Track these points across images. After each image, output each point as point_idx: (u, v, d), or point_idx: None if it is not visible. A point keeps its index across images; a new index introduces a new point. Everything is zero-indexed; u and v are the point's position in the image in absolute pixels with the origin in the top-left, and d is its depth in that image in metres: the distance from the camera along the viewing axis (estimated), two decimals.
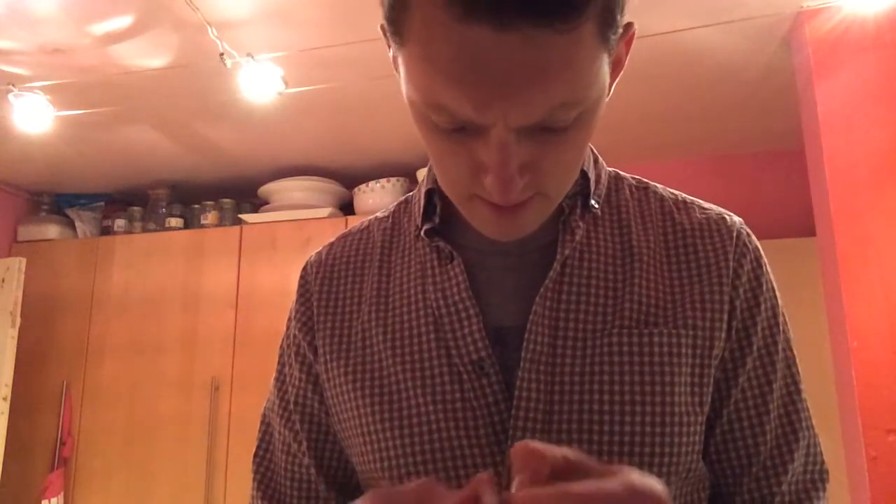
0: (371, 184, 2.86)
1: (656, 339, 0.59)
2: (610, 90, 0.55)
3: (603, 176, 0.68)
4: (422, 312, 0.63)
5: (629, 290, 0.61)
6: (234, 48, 1.94)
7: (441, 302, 0.63)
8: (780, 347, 0.63)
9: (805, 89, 1.94)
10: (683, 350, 0.59)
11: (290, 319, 0.72)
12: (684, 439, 0.57)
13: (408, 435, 0.60)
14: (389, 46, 0.53)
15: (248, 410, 2.70)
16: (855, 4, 1.77)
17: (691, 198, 0.69)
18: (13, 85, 2.12)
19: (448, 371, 0.60)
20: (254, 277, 2.82)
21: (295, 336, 0.70)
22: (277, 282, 2.79)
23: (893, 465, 1.57)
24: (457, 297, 0.62)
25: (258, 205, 3.06)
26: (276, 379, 0.73)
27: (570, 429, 0.56)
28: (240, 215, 2.97)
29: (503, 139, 0.48)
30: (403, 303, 0.65)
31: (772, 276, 0.65)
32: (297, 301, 0.71)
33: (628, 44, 0.55)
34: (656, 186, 0.69)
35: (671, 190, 0.69)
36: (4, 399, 2.66)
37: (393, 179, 2.85)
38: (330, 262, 0.72)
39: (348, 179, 2.96)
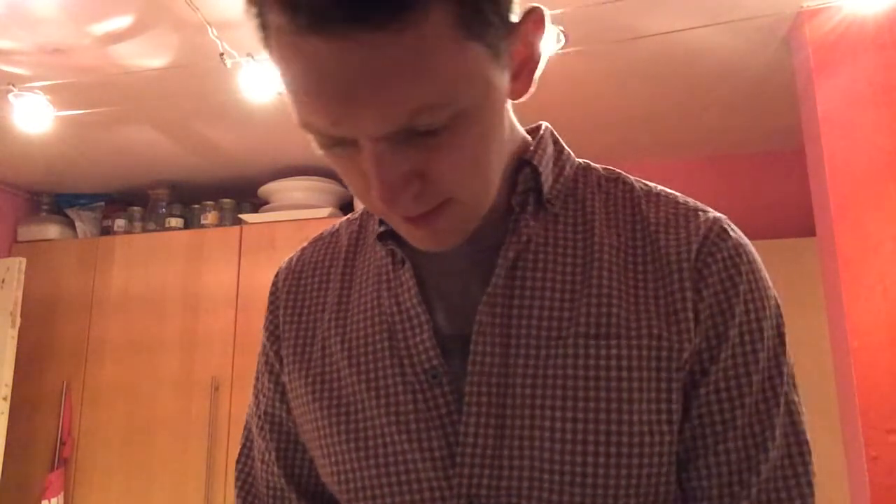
0: None
1: (614, 350, 0.54)
2: (528, 82, 0.52)
3: (567, 170, 0.62)
4: (377, 320, 0.61)
5: (587, 295, 0.56)
6: (234, 48, 1.94)
7: (395, 308, 0.60)
8: (760, 358, 0.55)
9: (805, 89, 1.94)
10: (644, 363, 0.53)
11: (263, 329, 0.71)
12: (645, 460, 0.52)
13: (363, 448, 0.58)
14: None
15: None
16: (855, 4, 1.77)
17: (668, 191, 0.62)
18: (13, 85, 2.12)
19: (402, 381, 0.58)
20: (254, 277, 2.82)
21: (264, 345, 0.69)
22: None
23: (893, 465, 1.57)
24: (408, 304, 0.59)
25: (258, 205, 3.06)
26: (254, 387, 0.73)
27: (522, 444, 0.53)
28: (240, 215, 2.97)
29: (372, 150, 0.46)
30: (361, 309, 0.63)
31: (759, 279, 0.57)
32: (267, 309, 0.70)
33: (537, 28, 0.51)
34: (627, 177, 0.63)
35: (646, 182, 0.63)
36: (4, 399, 2.66)
37: None
38: (298, 269, 0.70)
39: None
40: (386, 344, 0.59)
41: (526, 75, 0.52)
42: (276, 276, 0.71)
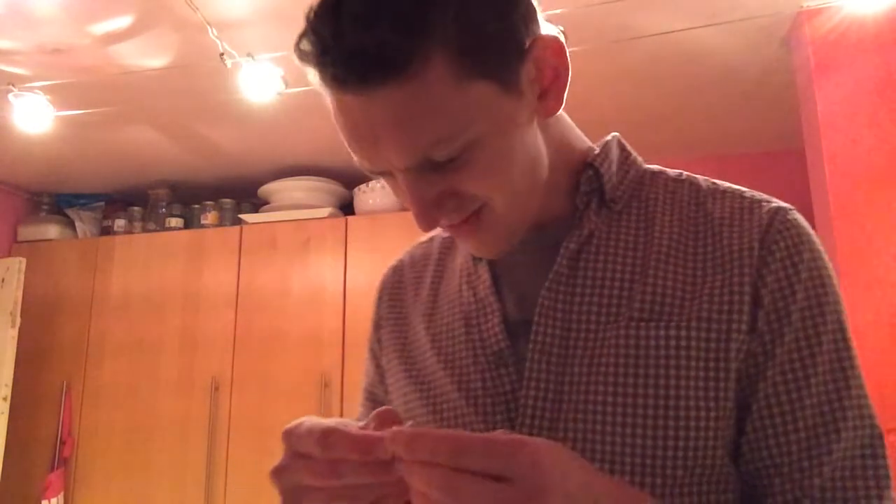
0: (371, 184, 2.86)
1: (662, 332, 0.58)
2: (558, 99, 0.59)
3: (632, 172, 0.68)
4: (456, 309, 0.69)
5: (642, 283, 0.61)
6: (234, 48, 1.94)
7: (472, 299, 0.68)
8: (823, 339, 0.58)
9: (805, 89, 1.94)
10: (693, 343, 0.57)
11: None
12: (692, 433, 0.56)
13: (439, 421, 0.65)
14: None
15: (248, 410, 2.70)
16: (855, 4, 1.77)
17: (735, 187, 0.65)
18: (13, 85, 2.12)
19: (473, 362, 0.65)
20: (254, 277, 2.82)
21: (371, 333, 0.80)
22: (277, 282, 2.79)
23: (894, 465, 1.57)
24: (482, 294, 0.67)
25: (258, 205, 3.06)
26: (365, 370, 0.82)
27: (577, 418, 0.58)
28: (240, 215, 2.97)
29: (404, 180, 0.55)
30: (446, 301, 0.71)
31: (821, 265, 0.60)
32: (374, 304, 0.81)
33: (556, 54, 0.57)
34: (695, 178, 0.67)
35: (714, 181, 0.67)
36: (4, 399, 2.66)
37: None
38: (399, 269, 0.81)
39: (348, 179, 2.96)
40: (462, 330, 0.67)
41: (554, 94, 0.59)
42: (383, 276, 0.82)
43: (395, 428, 0.44)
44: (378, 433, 0.45)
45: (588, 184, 0.65)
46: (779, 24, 1.93)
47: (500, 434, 0.44)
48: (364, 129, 0.52)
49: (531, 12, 0.57)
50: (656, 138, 2.76)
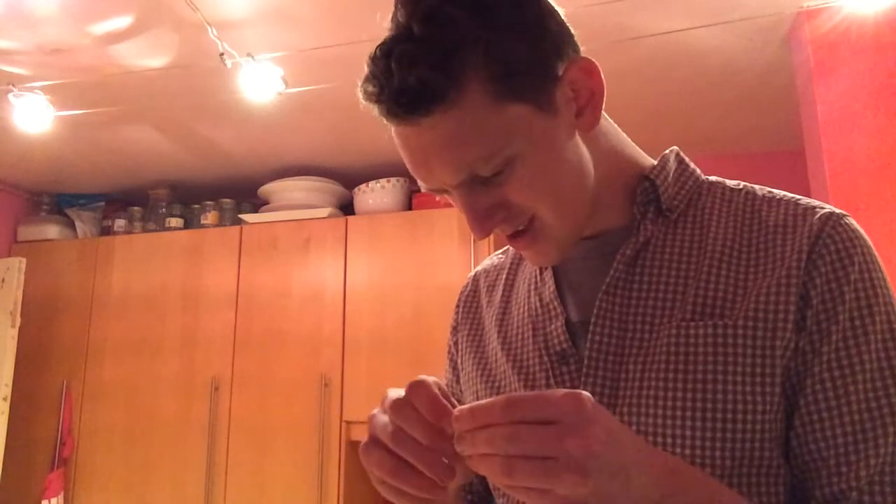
0: (371, 184, 2.86)
1: (710, 330, 0.61)
2: (595, 116, 0.66)
3: (690, 183, 0.72)
4: (525, 313, 0.75)
5: (694, 285, 0.64)
6: (234, 48, 1.93)
7: (538, 303, 0.74)
8: (871, 339, 0.60)
9: (805, 89, 1.94)
10: (741, 341, 0.60)
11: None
12: (738, 426, 0.59)
13: None
14: None
15: (248, 410, 2.70)
16: (855, 4, 1.77)
17: (790, 195, 0.69)
18: (13, 85, 2.12)
19: (539, 362, 0.70)
20: (254, 277, 2.82)
21: (449, 337, 0.87)
22: (277, 282, 2.79)
23: None
24: (547, 299, 0.73)
25: (258, 205, 3.06)
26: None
27: (631, 412, 0.62)
28: (240, 215, 2.97)
29: (457, 195, 0.63)
30: (517, 306, 0.77)
31: (872, 268, 0.62)
32: (454, 310, 0.88)
33: (590, 75, 0.65)
34: (752, 187, 0.71)
35: (771, 189, 0.70)
36: (4, 399, 2.66)
37: (393, 179, 2.85)
38: (476, 279, 0.87)
39: (348, 179, 2.96)
40: (530, 332, 0.73)
41: (591, 111, 0.66)
42: (463, 285, 0.89)
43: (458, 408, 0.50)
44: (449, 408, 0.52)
45: (644, 195, 0.70)
46: (779, 24, 1.93)
47: (543, 391, 0.49)
48: (418, 154, 0.61)
49: (564, 37, 0.65)
50: (656, 138, 2.76)
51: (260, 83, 2.02)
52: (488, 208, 0.63)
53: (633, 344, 0.64)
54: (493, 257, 0.88)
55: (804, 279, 0.61)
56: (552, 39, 0.63)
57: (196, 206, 3.08)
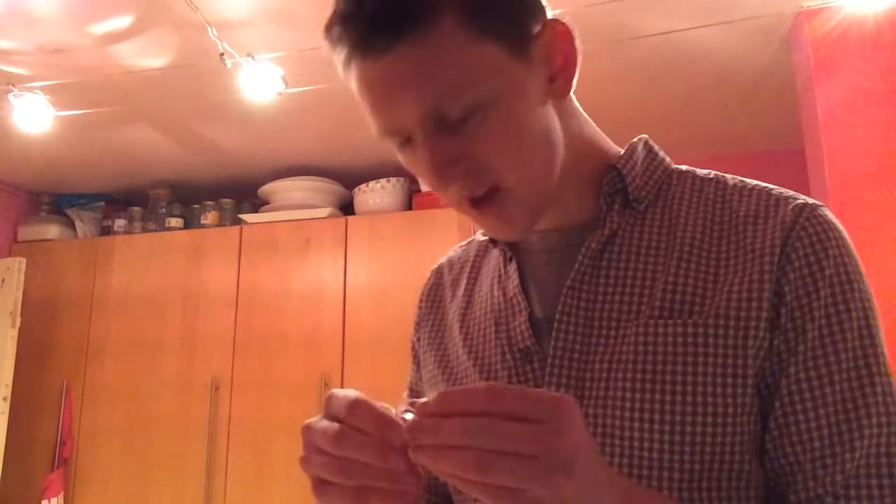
0: (371, 184, 2.86)
1: (680, 328, 0.59)
2: (567, 84, 0.63)
3: (658, 173, 0.69)
4: (488, 308, 0.72)
5: (663, 280, 0.62)
6: (234, 48, 1.94)
7: (501, 298, 0.71)
8: (847, 336, 0.57)
9: (805, 89, 1.94)
10: (711, 340, 0.58)
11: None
12: (709, 429, 0.57)
13: None
14: None
15: (248, 410, 2.70)
16: (855, 4, 1.77)
17: (763, 184, 0.66)
18: (13, 85, 2.12)
19: (501, 359, 0.67)
20: (254, 277, 2.82)
21: (412, 333, 0.84)
22: (277, 282, 2.79)
23: None
24: (511, 294, 0.69)
25: (258, 205, 3.06)
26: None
27: (597, 413, 0.60)
28: (240, 215, 2.97)
29: (422, 139, 0.58)
30: (479, 301, 0.74)
31: (847, 262, 0.59)
32: (417, 304, 0.85)
33: (565, 38, 0.62)
34: (723, 176, 0.68)
35: (743, 178, 0.67)
36: (4, 399, 2.66)
37: (393, 179, 2.85)
38: (439, 272, 0.84)
39: (348, 179, 2.96)
40: (492, 328, 0.70)
41: (564, 79, 0.62)
42: (427, 278, 0.85)
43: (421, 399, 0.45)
44: (400, 418, 0.46)
45: (611, 185, 0.66)
46: (779, 24, 1.93)
47: (523, 387, 0.46)
48: (383, 90, 0.57)
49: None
50: (656, 138, 2.72)
51: (260, 83, 2.02)
52: (451, 156, 0.58)
53: (599, 342, 0.62)
54: (457, 249, 0.84)
55: (777, 274, 0.58)
56: None
57: (196, 206, 3.08)
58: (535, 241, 0.69)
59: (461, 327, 0.74)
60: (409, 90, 0.56)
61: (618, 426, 0.58)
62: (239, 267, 2.85)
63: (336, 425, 0.48)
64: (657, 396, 0.58)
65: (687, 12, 1.85)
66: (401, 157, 0.63)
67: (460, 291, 0.78)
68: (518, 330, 0.67)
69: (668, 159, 0.71)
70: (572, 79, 0.63)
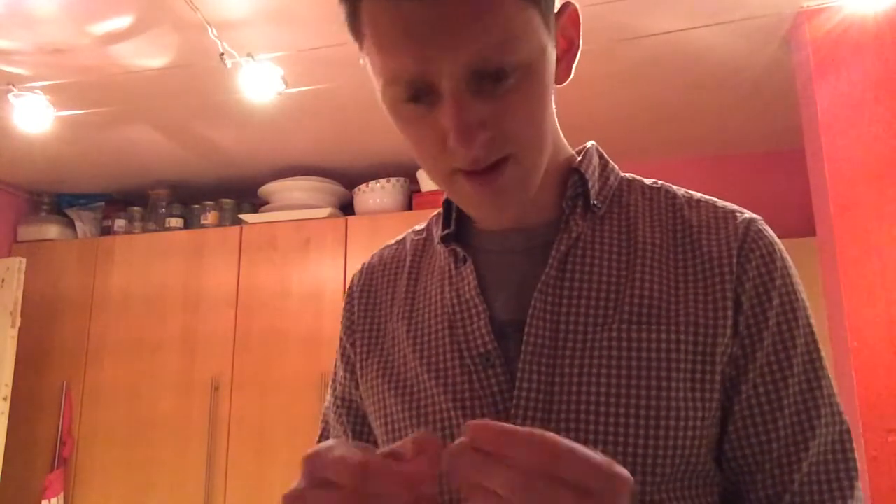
0: (371, 184, 2.86)
1: (654, 335, 0.60)
2: (568, 69, 0.62)
3: (612, 179, 0.70)
4: (439, 311, 0.68)
5: (630, 286, 0.62)
6: (234, 48, 1.94)
7: (455, 301, 0.67)
8: (798, 342, 0.62)
9: (805, 89, 1.94)
10: (683, 347, 0.59)
11: (341, 325, 0.80)
12: (680, 433, 0.58)
13: (423, 424, 0.64)
14: (361, 56, 0.60)
15: (248, 410, 2.70)
16: (855, 4, 1.77)
17: (707, 197, 0.69)
18: (13, 85, 2.12)
19: (459, 364, 0.64)
20: (254, 277, 2.82)
21: (341, 339, 0.79)
22: (277, 282, 2.79)
23: (893, 465, 1.57)
24: (468, 296, 0.66)
25: (258, 205, 3.07)
26: (332, 379, 0.81)
27: (569, 418, 0.59)
28: (240, 215, 2.97)
29: (452, 93, 0.54)
30: (426, 303, 0.70)
31: (791, 272, 0.64)
32: (343, 308, 0.80)
33: (574, 24, 0.62)
34: (670, 186, 0.70)
35: (687, 190, 0.70)
36: (4, 399, 2.66)
37: (393, 179, 2.85)
38: (369, 272, 0.79)
39: (348, 179, 2.96)
40: (446, 332, 0.66)
41: (566, 63, 0.62)
42: (352, 279, 0.81)
43: (476, 421, 0.42)
44: (423, 467, 0.43)
45: (574, 188, 0.67)
46: (779, 24, 1.93)
47: (584, 448, 0.42)
48: (421, 29, 0.52)
49: None
50: (656, 138, 2.76)
51: (260, 83, 2.02)
52: (479, 118, 0.55)
53: (567, 346, 0.60)
54: (387, 248, 0.80)
55: (735, 284, 0.61)
56: None
57: (196, 206, 3.08)
58: (495, 241, 0.67)
59: (408, 332, 0.70)
60: (456, 36, 0.52)
61: (592, 430, 0.58)
62: (239, 267, 2.85)
63: (357, 452, 0.44)
64: (632, 401, 0.58)
65: (687, 12, 1.85)
66: (399, 112, 0.59)
67: (401, 292, 0.73)
68: (477, 334, 0.64)
69: (617, 167, 0.72)
70: (572, 65, 0.63)
